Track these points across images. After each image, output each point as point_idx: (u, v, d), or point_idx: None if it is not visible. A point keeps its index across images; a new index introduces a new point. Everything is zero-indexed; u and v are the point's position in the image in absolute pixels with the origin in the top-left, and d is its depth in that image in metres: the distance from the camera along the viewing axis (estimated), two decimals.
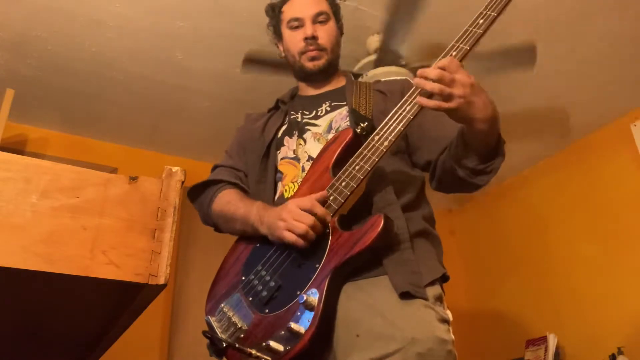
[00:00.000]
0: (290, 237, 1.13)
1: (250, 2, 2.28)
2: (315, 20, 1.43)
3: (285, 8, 1.48)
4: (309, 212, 1.12)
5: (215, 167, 1.49)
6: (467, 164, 1.16)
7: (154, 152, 3.41)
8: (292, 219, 1.13)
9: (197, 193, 1.44)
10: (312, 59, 1.42)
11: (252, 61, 2.50)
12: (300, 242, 1.12)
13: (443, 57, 1.10)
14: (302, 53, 1.43)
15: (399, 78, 2.27)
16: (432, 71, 1.04)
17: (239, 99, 2.91)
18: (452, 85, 1.03)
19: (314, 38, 1.41)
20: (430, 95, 1.07)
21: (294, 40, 1.44)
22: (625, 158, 3.11)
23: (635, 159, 3.05)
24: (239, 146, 1.50)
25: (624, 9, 2.40)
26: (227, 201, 1.35)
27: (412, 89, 1.13)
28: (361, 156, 1.15)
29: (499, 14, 1.12)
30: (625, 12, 2.42)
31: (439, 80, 1.03)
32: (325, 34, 1.43)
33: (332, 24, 1.46)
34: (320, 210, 1.12)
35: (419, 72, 1.07)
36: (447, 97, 1.04)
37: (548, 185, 3.55)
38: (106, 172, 0.75)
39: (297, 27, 1.44)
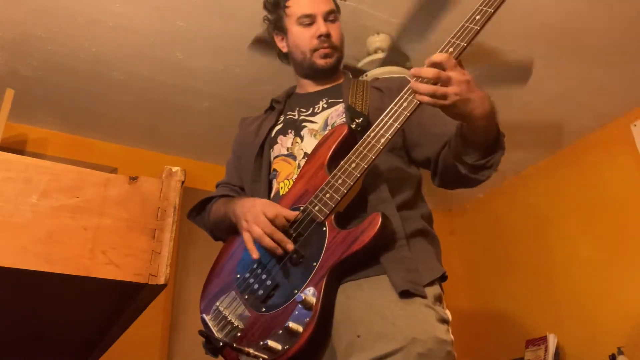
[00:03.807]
0: (248, 244, 1.17)
1: (251, 2, 2.28)
2: (327, 18, 1.42)
3: (291, 3, 1.45)
4: (271, 221, 1.15)
5: (216, 186, 1.52)
6: (467, 160, 1.14)
7: (154, 152, 3.41)
8: (253, 222, 1.16)
9: (197, 211, 1.46)
10: (325, 56, 1.41)
11: (263, 42, 2.45)
12: (255, 254, 1.15)
13: (439, 52, 1.08)
14: (315, 50, 1.41)
15: (396, 76, 2.25)
16: (428, 71, 1.03)
17: (239, 99, 2.91)
18: (447, 84, 1.02)
19: (328, 36, 1.40)
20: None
21: (304, 37, 1.42)
22: (625, 158, 3.11)
23: (635, 159, 3.05)
24: (234, 159, 1.52)
25: (622, 7, 2.40)
26: (216, 208, 1.38)
27: (408, 86, 1.12)
28: (357, 153, 1.13)
29: (495, 10, 1.10)
30: (623, 11, 2.42)
31: (435, 81, 1.02)
32: (336, 32, 1.43)
33: (339, 23, 1.46)
34: (279, 225, 1.15)
35: (413, 71, 1.05)
36: (442, 96, 1.03)
37: (548, 185, 3.54)
38: (106, 172, 0.75)
39: (309, 24, 1.42)
